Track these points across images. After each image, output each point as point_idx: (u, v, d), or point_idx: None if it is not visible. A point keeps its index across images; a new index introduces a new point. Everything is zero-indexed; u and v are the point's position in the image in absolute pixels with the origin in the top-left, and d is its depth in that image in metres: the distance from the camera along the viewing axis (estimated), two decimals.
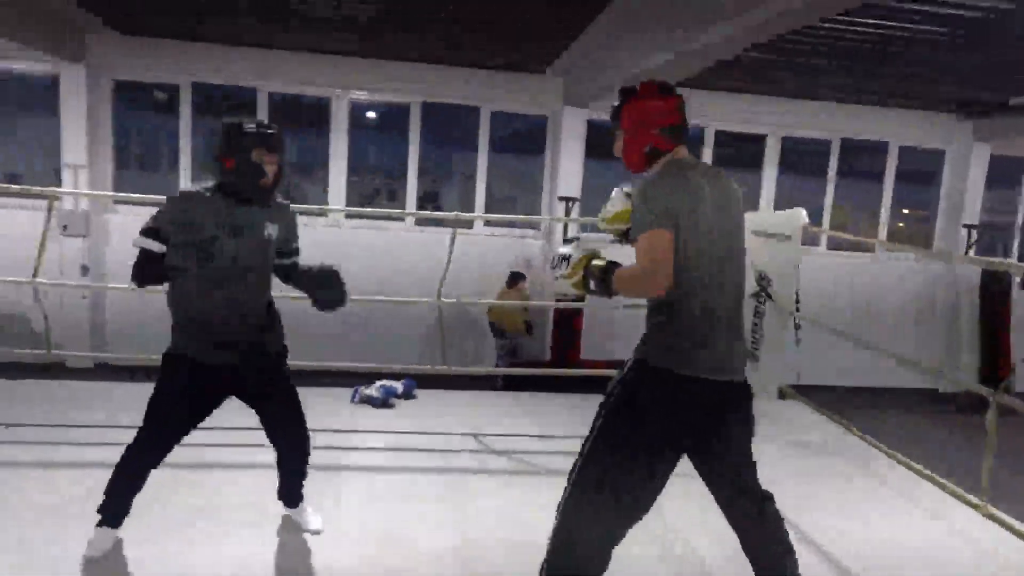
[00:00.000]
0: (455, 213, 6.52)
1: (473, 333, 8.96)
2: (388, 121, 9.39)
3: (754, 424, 2.29)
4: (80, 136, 8.06)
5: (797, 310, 4.08)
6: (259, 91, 8.57)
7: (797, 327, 4.18)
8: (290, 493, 2.98)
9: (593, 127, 8.98)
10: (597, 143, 9.25)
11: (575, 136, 9.01)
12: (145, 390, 2.73)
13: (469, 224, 9.09)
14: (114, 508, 2.66)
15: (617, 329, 9.27)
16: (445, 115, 9.14)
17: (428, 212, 9.45)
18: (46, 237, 4.34)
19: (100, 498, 2.66)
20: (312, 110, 8.87)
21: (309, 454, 2.96)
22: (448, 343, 5.22)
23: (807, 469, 4.02)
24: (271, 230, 2.67)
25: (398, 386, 4.76)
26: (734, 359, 2.20)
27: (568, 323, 8.91)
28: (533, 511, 3.14)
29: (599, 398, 2.26)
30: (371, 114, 9.36)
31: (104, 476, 2.65)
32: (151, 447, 2.64)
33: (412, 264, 8.01)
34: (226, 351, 2.62)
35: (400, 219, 9.04)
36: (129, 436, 2.66)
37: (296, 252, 2.84)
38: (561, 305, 8.43)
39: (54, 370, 6.98)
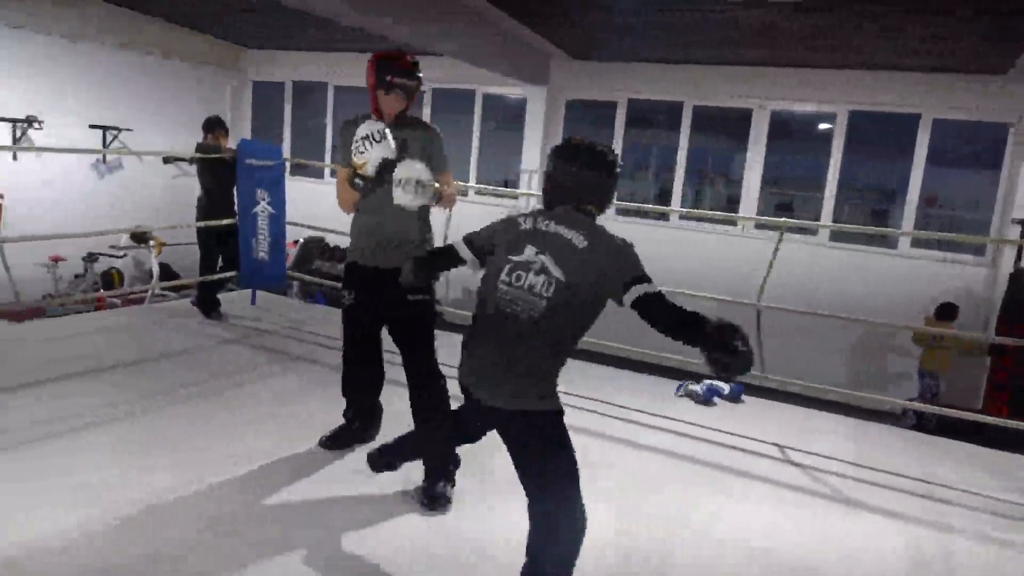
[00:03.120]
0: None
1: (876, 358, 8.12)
2: (806, 133, 9.08)
3: None
4: (536, 146, 9.73)
5: None
6: (685, 104, 9.14)
7: None
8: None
9: None
10: None
11: None
12: None
13: (892, 243, 8.27)
14: None
15: None
16: (875, 125, 8.43)
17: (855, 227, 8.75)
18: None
19: None
20: (732, 121, 9.09)
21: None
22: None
23: None
24: None
25: (724, 387, 4.82)
26: None
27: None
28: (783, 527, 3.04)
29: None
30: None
31: None
32: None
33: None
34: None
35: (812, 232, 8.64)
36: None
37: None
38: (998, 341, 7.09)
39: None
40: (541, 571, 2.28)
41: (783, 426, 4.45)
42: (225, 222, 5.57)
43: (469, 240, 2.54)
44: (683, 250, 8.90)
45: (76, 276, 8.89)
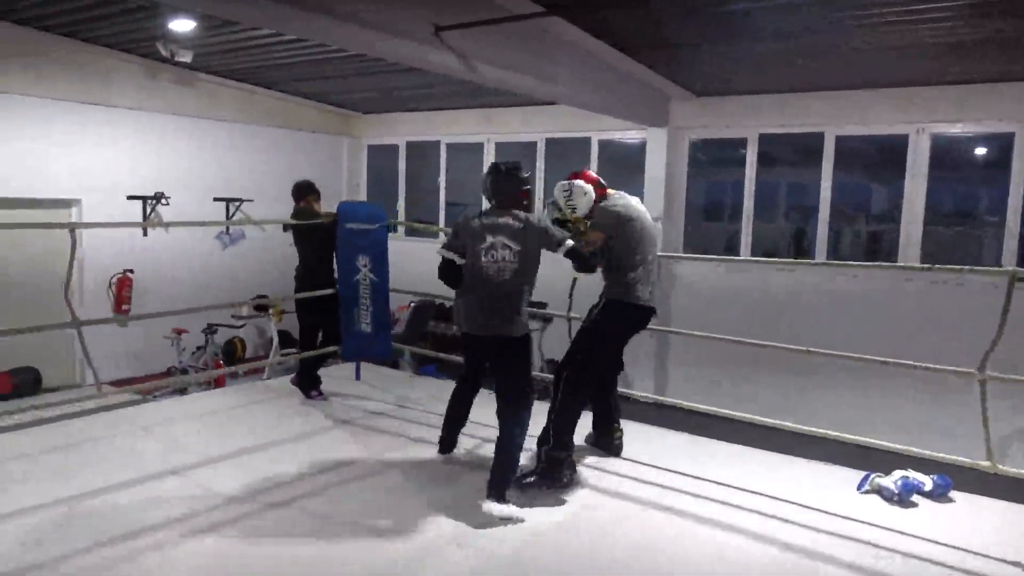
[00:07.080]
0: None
1: None
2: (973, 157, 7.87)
3: None
4: (659, 190, 8.98)
5: None
6: (826, 134, 8.16)
7: None
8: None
9: None
10: None
11: None
12: None
13: None
14: None
15: None
16: None
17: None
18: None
19: None
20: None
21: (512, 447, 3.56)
22: None
23: None
24: None
25: (926, 481, 3.83)
26: None
27: None
28: None
29: None
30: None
31: None
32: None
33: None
34: None
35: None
36: None
37: None
38: None
39: None
40: (508, 441, 3.54)
41: (1015, 534, 3.43)
42: (322, 293, 5.19)
43: (449, 246, 3.70)
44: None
45: (198, 348, 8.91)
